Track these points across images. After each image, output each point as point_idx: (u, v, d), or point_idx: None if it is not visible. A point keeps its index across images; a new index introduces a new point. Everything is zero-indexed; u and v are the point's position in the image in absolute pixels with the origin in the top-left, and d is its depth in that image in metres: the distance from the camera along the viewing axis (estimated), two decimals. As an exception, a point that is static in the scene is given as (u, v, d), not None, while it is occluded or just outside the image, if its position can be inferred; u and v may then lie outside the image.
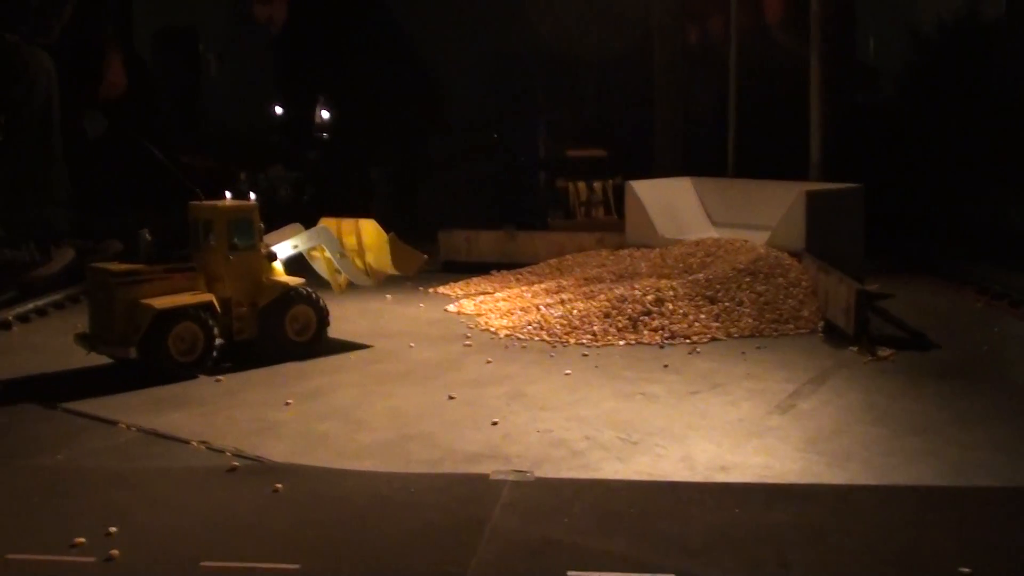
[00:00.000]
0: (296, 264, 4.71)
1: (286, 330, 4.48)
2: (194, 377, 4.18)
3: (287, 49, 9.94)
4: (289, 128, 11.40)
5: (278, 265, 4.62)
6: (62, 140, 6.64)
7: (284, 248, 4.66)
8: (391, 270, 4.79)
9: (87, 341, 4.35)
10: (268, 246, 4.55)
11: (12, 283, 5.99)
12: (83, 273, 4.73)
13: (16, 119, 6.54)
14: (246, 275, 4.45)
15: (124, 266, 4.28)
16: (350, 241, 4.83)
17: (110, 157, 9.08)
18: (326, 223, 4.85)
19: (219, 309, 4.31)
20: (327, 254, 4.73)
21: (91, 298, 4.41)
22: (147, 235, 4.38)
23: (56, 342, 4.53)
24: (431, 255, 6.80)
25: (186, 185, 4.71)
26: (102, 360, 4.43)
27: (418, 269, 4.90)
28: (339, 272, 4.73)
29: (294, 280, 4.58)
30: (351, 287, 4.84)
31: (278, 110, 11.98)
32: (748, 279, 5.19)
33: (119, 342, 4.17)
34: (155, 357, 4.14)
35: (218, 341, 4.33)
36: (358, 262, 4.81)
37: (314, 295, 4.54)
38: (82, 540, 2.58)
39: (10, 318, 5.38)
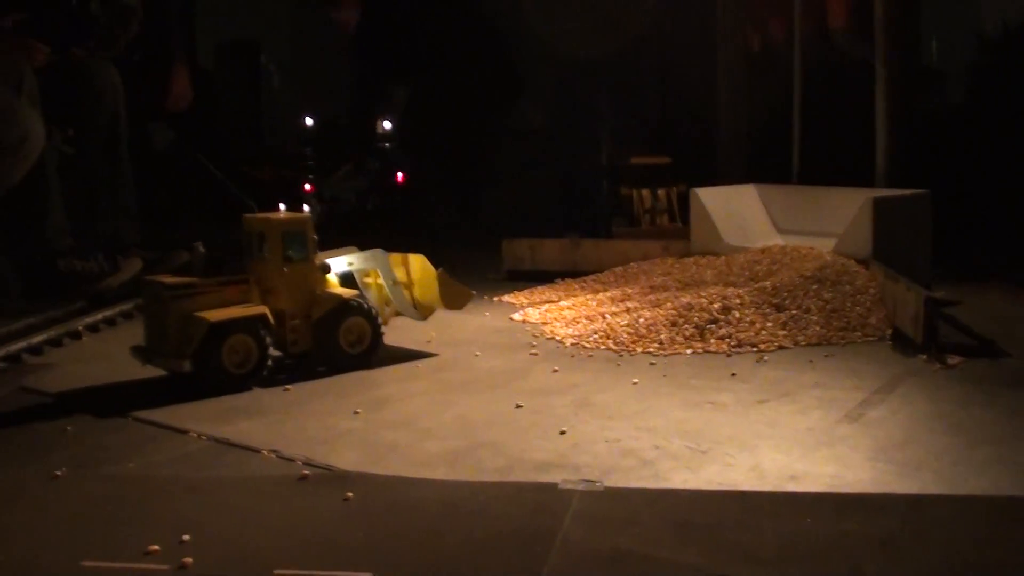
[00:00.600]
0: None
1: (340, 342, 4.47)
2: (249, 388, 4.21)
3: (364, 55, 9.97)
4: (352, 137, 11.46)
5: (332, 278, 4.63)
6: (129, 153, 6.70)
7: (339, 263, 4.67)
8: (439, 306, 4.77)
9: (143, 354, 4.38)
10: (323, 259, 4.56)
11: (81, 294, 6.05)
12: (138, 286, 4.77)
13: (84, 132, 6.62)
14: (300, 287, 4.45)
15: (178, 279, 4.29)
16: (399, 273, 4.82)
17: (176, 169, 9.19)
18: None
19: (273, 321, 4.32)
20: (380, 280, 4.70)
21: (146, 311, 4.43)
22: (201, 248, 4.40)
23: (125, 352, 4.56)
24: (494, 264, 6.84)
25: (240, 198, 4.74)
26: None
27: (466, 305, 4.86)
28: (388, 303, 4.68)
29: (348, 292, 4.59)
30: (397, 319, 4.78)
31: (308, 121, 12.07)
32: (815, 287, 5.16)
33: (173, 354, 4.18)
34: (209, 369, 4.15)
35: (274, 353, 4.35)
36: (407, 295, 4.78)
37: (367, 306, 4.54)
38: (156, 548, 2.61)
39: (80, 328, 5.43)
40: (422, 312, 4.82)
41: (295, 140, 12.74)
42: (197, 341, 4.12)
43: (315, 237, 4.51)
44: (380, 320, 4.58)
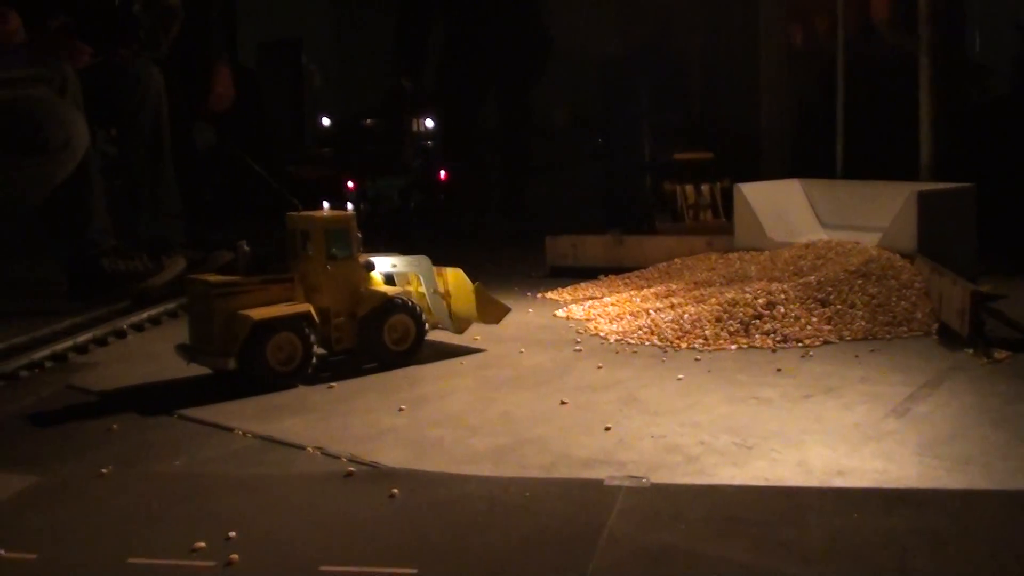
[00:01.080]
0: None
1: (385, 339, 4.48)
2: (295, 386, 4.22)
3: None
4: (389, 136, 11.48)
5: (377, 275, 4.64)
6: (173, 153, 6.74)
7: (383, 263, 4.68)
8: (476, 320, 4.77)
9: (187, 352, 4.40)
10: (367, 257, 4.56)
11: (126, 293, 6.09)
12: (183, 285, 4.79)
13: (128, 133, 6.66)
14: (344, 285, 4.46)
15: (222, 277, 4.31)
16: (439, 283, 4.82)
17: (220, 169, 9.24)
18: None
19: (318, 319, 4.32)
20: (421, 288, 4.70)
21: (191, 309, 4.46)
22: (245, 246, 4.40)
23: (170, 351, 4.58)
24: (537, 261, 6.83)
25: (284, 196, 4.75)
26: (213, 369, 4.54)
27: (502, 320, 4.84)
28: (427, 312, 4.68)
29: (392, 289, 4.60)
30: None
31: (325, 121, 12.10)
32: (860, 281, 5.12)
33: (218, 353, 4.20)
34: (254, 367, 4.17)
35: (319, 351, 4.36)
36: (445, 306, 4.78)
37: (411, 304, 4.54)
38: (202, 544, 2.61)
39: (125, 327, 5.47)
40: (458, 325, 4.82)
41: (313, 140, 12.77)
42: (242, 339, 4.13)
43: (359, 235, 4.52)
44: (424, 318, 4.57)
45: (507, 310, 4.85)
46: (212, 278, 4.30)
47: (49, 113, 5.49)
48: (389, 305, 4.48)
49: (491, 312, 4.80)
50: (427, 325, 4.63)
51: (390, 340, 4.50)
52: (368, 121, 11.38)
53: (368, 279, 4.57)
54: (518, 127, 10.10)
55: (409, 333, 4.54)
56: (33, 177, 5.58)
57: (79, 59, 5.88)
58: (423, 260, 4.72)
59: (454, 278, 4.81)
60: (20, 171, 5.54)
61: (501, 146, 10.26)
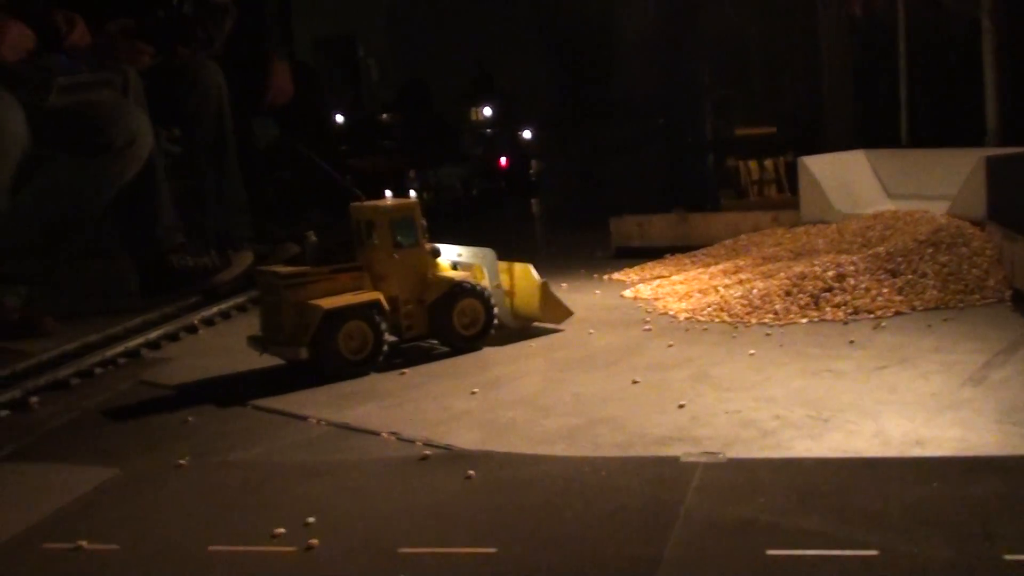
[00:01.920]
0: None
1: (454, 324, 4.50)
2: (367, 374, 4.24)
3: None
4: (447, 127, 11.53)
5: (444, 262, 4.65)
6: (236, 148, 6.78)
7: (449, 253, 4.71)
8: (537, 317, 4.75)
9: (259, 343, 4.45)
10: (433, 245, 4.57)
11: (195, 289, 6.15)
12: (254, 277, 4.83)
13: (191, 131, 6.71)
14: (411, 272, 4.49)
15: (292, 268, 4.35)
16: (505, 278, 4.82)
17: (282, 163, 9.29)
18: None
19: (387, 307, 4.34)
20: (485, 280, 4.70)
21: (261, 301, 4.50)
22: (312, 237, 4.45)
23: (241, 344, 4.62)
24: (603, 242, 6.82)
25: (347, 188, 4.77)
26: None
27: (563, 321, 4.82)
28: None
29: (460, 274, 4.61)
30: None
31: (339, 119, 12.13)
32: (930, 250, 5.07)
33: (290, 343, 4.24)
34: (326, 356, 4.20)
35: (390, 338, 4.38)
36: (507, 302, 4.77)
37: (479, 288, 4.55)
38: (282, 531, 2.63)
39: (196, 322, 5.52)
40: (519, 321, 4.82)
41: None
42: (313, 329, 4.16)
43: (423, 222, 4.53)
44: (493, 302, 4.57)
45: (569, 313, 4.83)
46: (282, 269, 4.35)
47: (113, 114, 5.54)
48: (457, 290, 4.49)
49: (553, 312, 4.79)
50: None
51: (460, 325, 4.51)
52: (384, 116, 11.44)
53: (435, 265, 4.57)
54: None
55: (478, 317, 4.55)
56: (100, 178, 5.63)
57: (140, 60, 5.93)
58: (488, 252, 4.72)
59: (521, 273, 4.81)
60: (87, 172, 5.60)
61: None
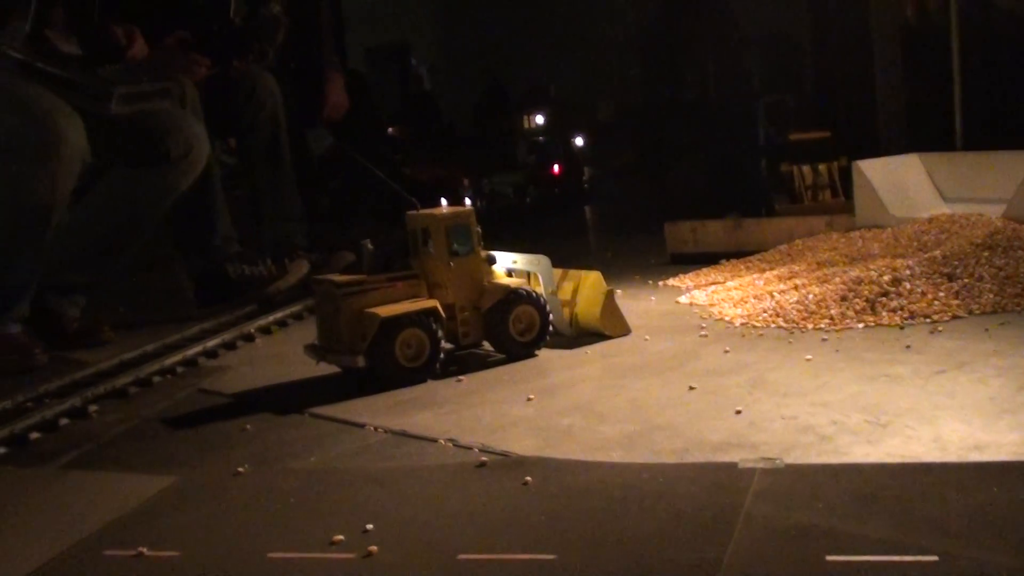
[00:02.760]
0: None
1: (510, 331, 4.51)
2: (423, 381, 4.26)
3: None
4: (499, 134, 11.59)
5: (499, 269, 4.67)
6: (291, 158, 6.84)
7: (505, 259, 4.73)
8: (596, 325, 4.75)
9: (317, 351, 4.48)
10: (488, 252, 4.59)
11: (251, 298, 6.20)
12: (311, 286, 4.86)
13: (246, 141, 6.78)
14: (467, 280, 4.51)
15: (349, 277, 4.39)
16: (569, 287, 4.84)
17: (337, 173, 9.35)
18: (554, 272, 4.86)
19: (443, 315, 4.38)
20: (540, 287, 4.71)
21: (319, 309, 4.53)
22: (369, 245, 4.48)
23: (297, 352, 4.65)
24: (656, 248, 6.81)
25: (403, 196, 4.80)
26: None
27: (620, 335, 4.79)
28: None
29: (515, 282, 4.62)
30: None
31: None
32: (986, 253, 5.03)
33: (347, 351, 4.28)
34: (383, 364, 4.23)
35: (446, 346, 4.40)
36: (566, 311, 4.78)
37: (535, 295, 4.56)
38: (340, 538, 2.65)
39: (252, 331, 5.56)
40: (575, 328, 4.82)
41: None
42: (370, 337, 4.20)
43: (478, 230, 4.55)
44: (548, 308, 4.58)
45: (628, 330, 4.81)
46: (339, 278, 4.38)
47: (171, 125, 5.60)
48: (512, 297, 4.51)
49: (613, 323, 4.78)
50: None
51: (515, 331, 4.53)
52: (391, 130, 11.49)
53: (491, 273, 4.59)
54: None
55: (534, 323, 4.56)
56: (157, 188, 5.70)
57: (197, 72, 5.99)
58: (543, 259, 4.73)
59: (589, 280, 4.82)
60: (144, 183, 5.67)
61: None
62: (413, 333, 4.27)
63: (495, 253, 4.63)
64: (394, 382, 4.22)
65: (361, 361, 4.21)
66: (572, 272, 4.85)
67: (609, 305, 4.75)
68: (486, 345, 4.65)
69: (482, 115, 12.36)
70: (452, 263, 4.45)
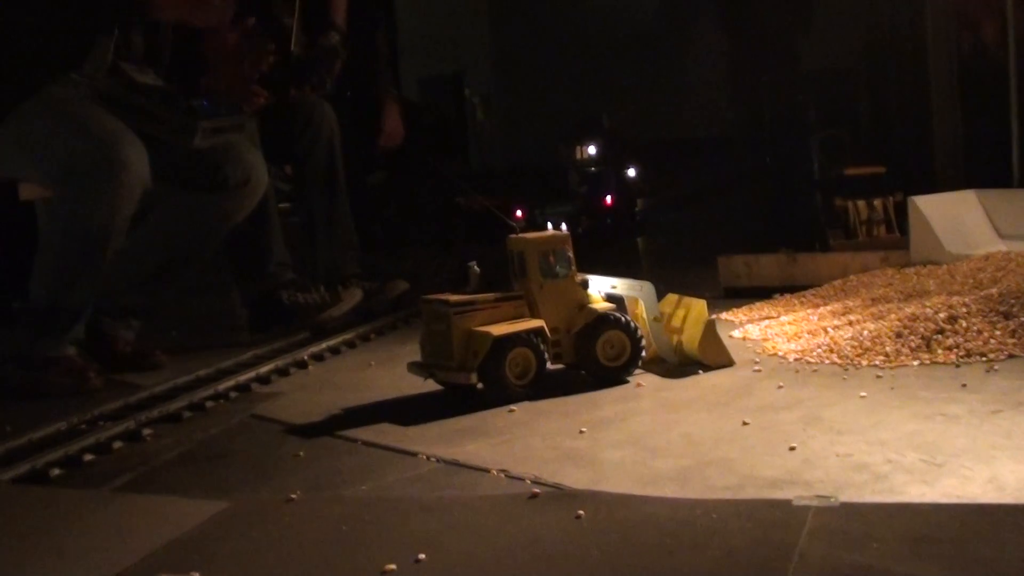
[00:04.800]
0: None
1: (597, 355, 4.57)
2: (531, 399, 4.36)
3: None
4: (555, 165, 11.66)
5: (595, 293, 4.72)
6: (346, 186, 6.88)
7: (603, 283, 4.78)
8: (696, 353, 4.74)
9: (424, 369, 4.58)
10: (583, 276, 4.66)
11: (305, 325, 6.23)
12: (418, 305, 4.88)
13: (303, 169, 6.83)
14: (561, 302, 4.60)
15: (461, 297, 4.49)
16: (678, 314, 4.84)
17: (393, 200, 9.40)
18: (669, 298, 4.91)
19: (549, 335, 4.50)
20: (643, 313, 4.73)
21: (427, 328, 4.60)
22: (475, 267, 4.59)
23: (350, 379, 4.68)
24: (710, 282, 6.79)
25: (503, 221, 4.88)
26: (396, 394, 4.65)
27: (719, 366, 4.75)
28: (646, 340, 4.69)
29: (606, 306, 4.68)
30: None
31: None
32: (1044, 292, 4.99)
33: (459, 368, 4.38)
34: (494, 382, 4.35)
35: (551, 366, 4.52)
36: (673, 337, 4.78)
37: (625, 320, 4.61)
38: (392, 567, 2.65)
39: (305, 358, 5.59)
40: (680, 357, 4.82)
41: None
42: (482, 355, 4.32)
43: (571, 255, 4.64)
44: (641, 334, 4.63)
45: (730, 361, 4.77)
46: (451, 297, 4.49)
47: (229, 153, 5.66)
48: (602, 321, 4.57)
49: (713, 353, 4.75)
50: (644, 352, 4.67)
51: (603, 356, 4.58)
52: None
53: (586, 296, 4.66)
54: None
55: (624, 349, 4.61)
56: (215, 215, 5.75)
57: (256, 102, 6.04)
58: (645, 285, 4.76)
59: (696, 308, 4.81)
60: (202, 210, 5.72)
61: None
62: (521, 352, 4.40)
63: (593, 277, 4.71)
64: (504, 398, 4.33)
65: (474, 378, 4.34)
66: (685, 299, 4.87)
67: (709, 334, 4.74)
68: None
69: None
70: (544, 286, 4.54)
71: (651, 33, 14.07)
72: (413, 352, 4.72)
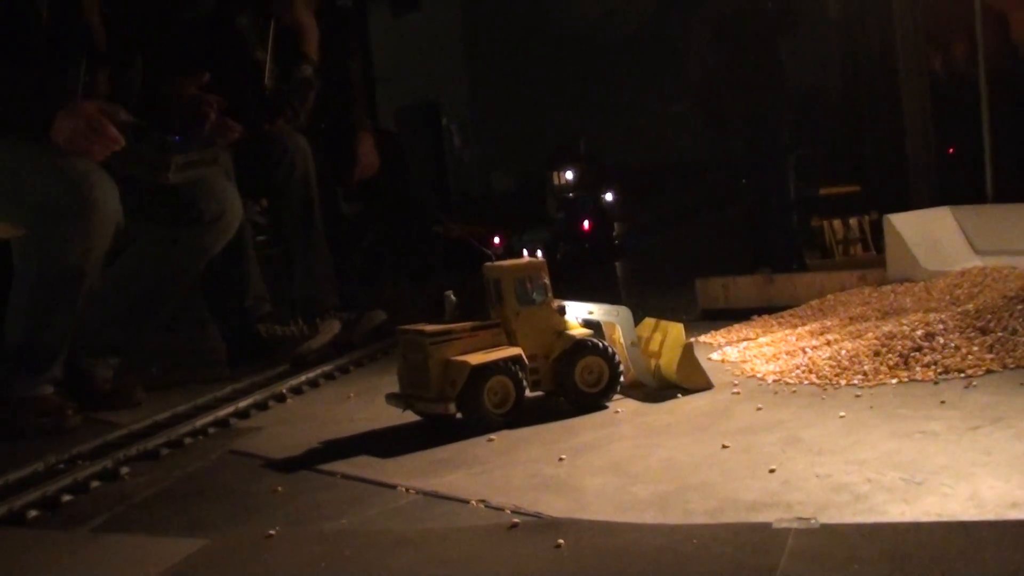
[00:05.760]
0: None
1: (576, 381, 4.55)
2: (508, 427, 4.34)
3: None
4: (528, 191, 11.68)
5: (572, 319, 4.71)
6: (322, 217, 6.87)
7: (580, 309, 4.77)
8: (674, 376, 4.74)
9: (401, 400, 4.56)
10: (559, 302, 4.65)
11: (283, 358, 6.22)
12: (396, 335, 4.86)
13: (278, 202, 6.81)
14: (539, 329, 4.58)
15: (437, 327, 4.47)
16: (655, 338, 4.83)
17: (368, 232, 9.40)
18: (647, 322, 4.90)
19: (527, 362, 4.48)
20: (620, 338, 4.73)
21: (404, 359, 4.58)
22: (452, 297, 4.58)
23: (329, 411, 4.67)
24: (686, 305, 6.80)
25: (481, 251, 4.87)
26: (375, 426, 4.62)
27: (698, 389, 4.74)
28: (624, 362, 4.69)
29: (583, 332, 4.66)
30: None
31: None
32: (1020, 306, 4.99)
33: (437, 399, 4.36)
34: (473, 411, 4.32)
35: (529, 393, 4.50)
36: (651, 362, 4.78)
37: (602, 345, 4.59)
38: (374, 603, 2.64)
39: (284, 391, 5.57)
40: (658, 381, 4.81)
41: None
42: (460, 384, 4.29)
43: (547, 281, 4.62)
44: (619, 359, 4.62)
45: (709, 385, 4.76)
46: (427, 327, 4.47)
47: (204, 187, 5.64)
48: (579, 347, 4.56)
49: (691, 376, 4.74)
50: (623, 376, 4.66)
51: (582, 382, 4.57)
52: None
53: (563, 323, 4.65)
54: None
55: (603, 375, 4.59)
56: (190, 250, 5.73)
57: (230, 136, 6.02)
58: (622, 310, 4.76)
59: (674, 332, 4.80)
60: (177, 245, 5.70)
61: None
62: (499, 380, 4.38)
63: (569, 303, 4.70)
64: (482, 428, 4.31)
65: (452, 408, 4.32)
66: (663, 323, 4.85)
67: (687, 358, 4.74)
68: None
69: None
70: (520, 313, 4.53)
71: (627, 59, 14.13)
72: (392, 383, 4.69)
